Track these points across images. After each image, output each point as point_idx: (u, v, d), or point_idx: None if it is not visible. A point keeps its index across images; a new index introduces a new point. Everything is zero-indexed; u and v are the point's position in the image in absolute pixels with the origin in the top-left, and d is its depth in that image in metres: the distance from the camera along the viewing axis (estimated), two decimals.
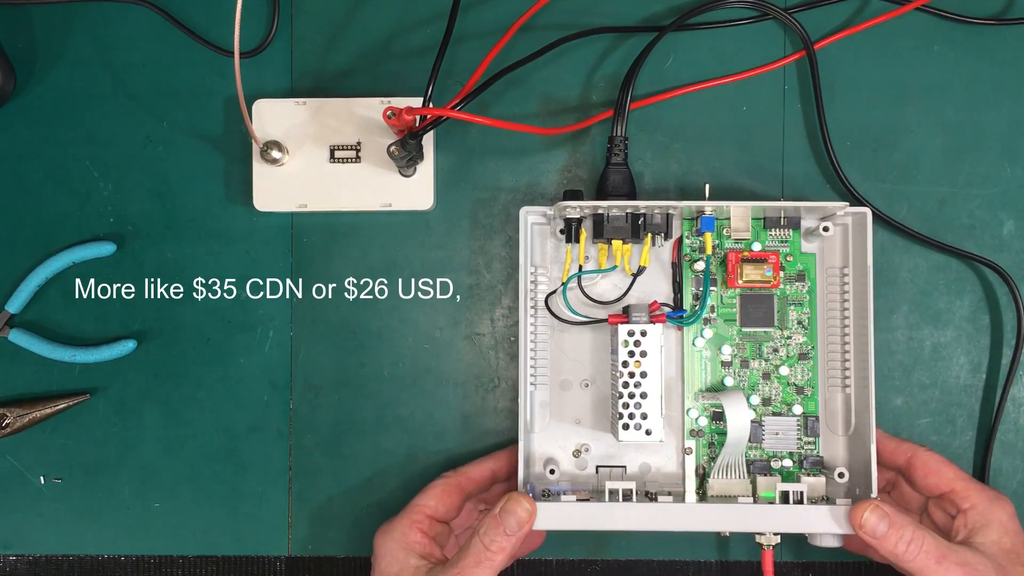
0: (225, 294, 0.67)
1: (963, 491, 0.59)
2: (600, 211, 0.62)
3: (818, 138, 0.66)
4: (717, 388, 0.64)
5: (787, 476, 0.63)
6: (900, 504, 0.63)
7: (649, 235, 0.63)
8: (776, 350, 0.64)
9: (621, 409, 0.60)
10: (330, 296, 0.67)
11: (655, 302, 0.63)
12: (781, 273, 0.64)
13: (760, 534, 0.60)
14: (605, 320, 0.63)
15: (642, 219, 0.63)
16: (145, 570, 0.67)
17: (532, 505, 0.58)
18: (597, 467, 0.65)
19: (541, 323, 0.65)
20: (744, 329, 0.64)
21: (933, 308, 0.67)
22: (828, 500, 0.62)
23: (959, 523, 0.59)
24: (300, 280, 0.67)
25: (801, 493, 0.60)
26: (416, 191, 0.66)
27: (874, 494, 0.60)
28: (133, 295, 0.67)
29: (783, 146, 0.67)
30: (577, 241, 0.63)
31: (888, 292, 0.66)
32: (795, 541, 0.65)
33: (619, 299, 0.65)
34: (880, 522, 0.57)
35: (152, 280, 0.67)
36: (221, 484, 0.67)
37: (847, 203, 0.61)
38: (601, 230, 0.63)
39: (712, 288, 0.64)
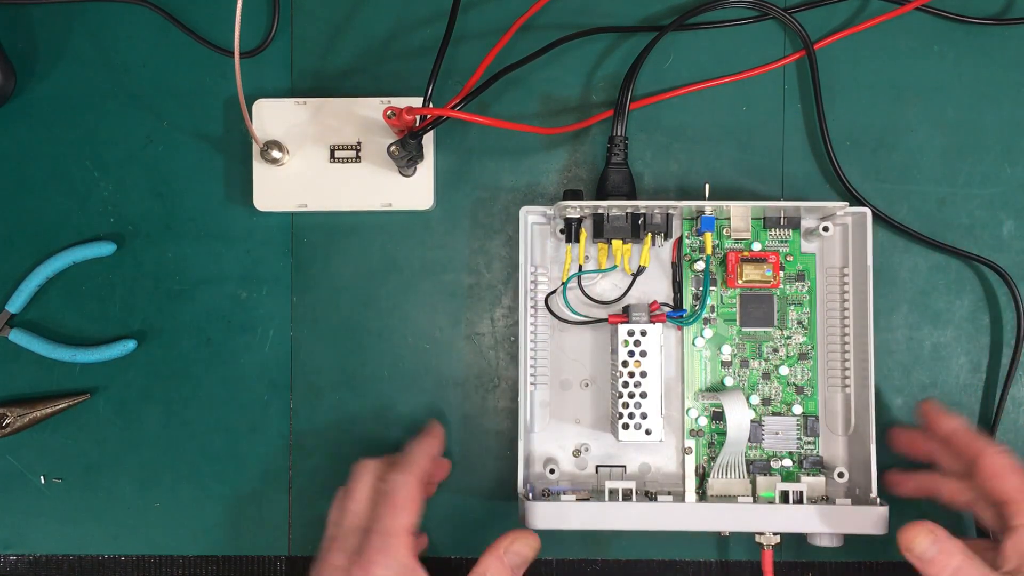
0: (225, 294, 0.67)
1: (1018, 504, 0.56)
2: (600, 211, 0.62)
3: (818, 138, 0.67)
4: (717, 388, 0.64)
5: (787, 476, 0.63)
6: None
7: (649, 235, 0.63)
8: (776, 350, 0.64)
9: (621, 409, 0.60)
10: (330, 296, 0.67)
11: (655, 302, 0.63)
12: (781, 273, 0.64)
13: (760, 534, 0.61)
14: (605, 320, 0.63)
15: (642, 219, 0.63)
16: (145, 570, 0.67)
17: (537, 542, 0.57)
18: (597, 467, 0.65)
19: (541, 323, 0.65)
20: (744, 329, 0.64)
21: (933, 308, 0.67)
22: (828, 500, 0.62)
23: (1008, 545, 0.55)
24: (300, 280, 0.67)
25: (801, 493, 0.60)
26: (416, 191, 0.66)
27: (874, 494, 0.60)
28: (133, 295, 0.67)
29: (783, 146, 0.67)
30: (577, 241, 0.63)
31: (888, 292, 0.66)
32: (795, 541, 0.65)
33: (619, 299, 0.65)
34: (931, 547, 0.55)
35: (152, 280, 0.67)
36: (221, 484, 0.67)
37: (847, 203, 0.61)
38: (601, 230, 0.63)
39: (712, 288, 0.64)
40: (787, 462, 0.64)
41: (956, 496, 0.60)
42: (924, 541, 0.55)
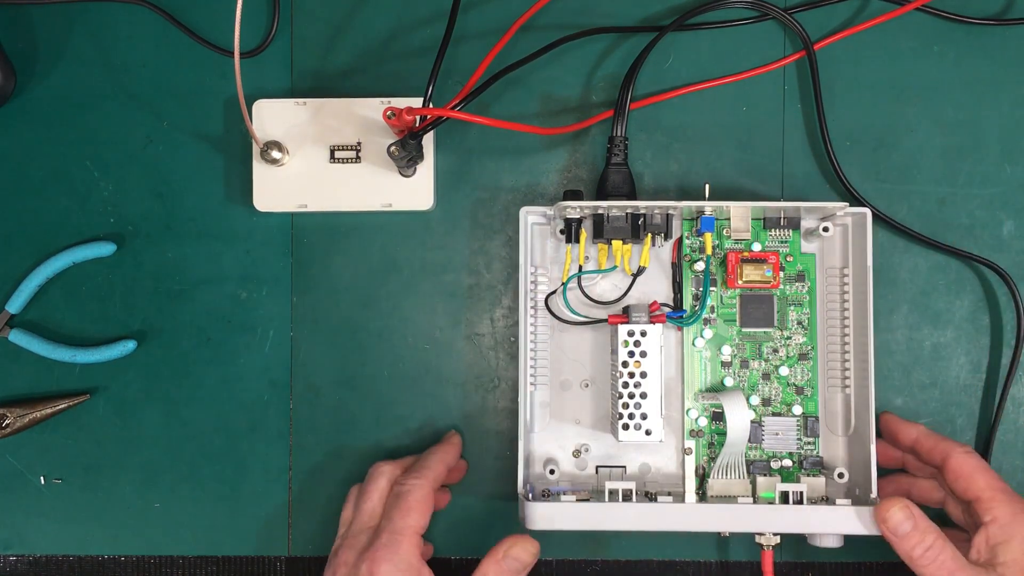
0: (225, 294, 0.67)
1: (988, 502, 0.57)
2: (600, 211, 0.62)
3: (818, 138, 0.66)
4: (717, 388, 0.64)
5: (787, 476, 0.63)
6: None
7: (649, 235, 0.63)
8: (776, 350, 0.64)
9: (621, 409, 0.60)
10: (330, 296, 0.67)
11: (655, 302, 0.63)
12: (781, 273, 0.64)
13: (760, 534, 0.60)
14: (605, 320, 0.63)
15: (642, 219, 0.63)
16: (145, 570, 0.67)
17: (536, 547, 0.58)
18: (597, 467, 0.65)
19: (541, 323, 0.65)
20: (744, 329, 0.64)
21: (933, 308, 0.67)
22: (828, 500, 0.62)
23: (980, 539, 0.57)
24: (300, 280, 0.67)
25: (801, 493, 0.60)
26: (416, 191, 0.66)
27: (874, 494, 0.60)
28: (133, 295, 0.67)
29: (783, 146, 0.67)
30: (577, 241, 0.63)
31: (888, 292, 0.66)
32: (795, 541, 0.65)
33: (619, 299, 0.65)
34: (905, 521, 0.56)
35: (152, 280, 0.67)
36: (221, 484, 0.67)
37: (847, 203, 0.61)
38: (601, 230, 0.63)
39: (712, 288, 0.64)
40: (787, 462, 0.64)
41: (928, 496, 0.63)
42: (899, 515, 0.56)
